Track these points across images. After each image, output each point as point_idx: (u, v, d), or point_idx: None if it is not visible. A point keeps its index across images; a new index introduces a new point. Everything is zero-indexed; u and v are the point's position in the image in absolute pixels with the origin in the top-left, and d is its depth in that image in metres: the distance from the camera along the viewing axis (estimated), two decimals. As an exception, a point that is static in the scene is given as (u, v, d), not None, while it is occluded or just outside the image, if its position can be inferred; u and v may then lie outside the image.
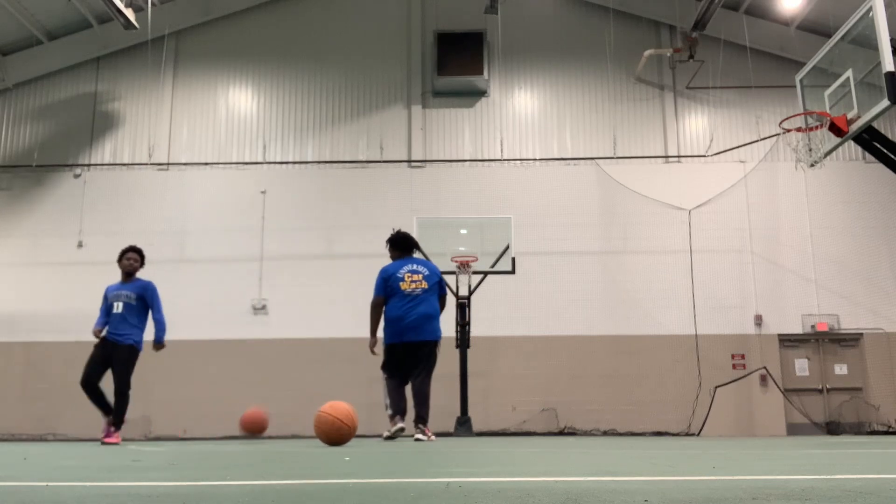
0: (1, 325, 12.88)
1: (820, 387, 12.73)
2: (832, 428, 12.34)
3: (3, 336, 12.82)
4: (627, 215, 13.22)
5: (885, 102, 7.44)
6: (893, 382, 12.56)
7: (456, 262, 10.99)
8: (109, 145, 13.83)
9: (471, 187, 13.30)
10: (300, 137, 13.79)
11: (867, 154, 9.91)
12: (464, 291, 10.98)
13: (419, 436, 6.55)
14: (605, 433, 12.24)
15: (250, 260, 13.15)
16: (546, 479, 2.09)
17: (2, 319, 12.92)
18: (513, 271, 11.11)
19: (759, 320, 12.80)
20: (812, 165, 9.22)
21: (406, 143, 13.67)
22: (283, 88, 14.01)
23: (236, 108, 13.97)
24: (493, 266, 11.10)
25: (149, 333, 7.11)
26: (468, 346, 10.82)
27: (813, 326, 12.76)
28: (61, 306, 12.63)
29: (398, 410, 6.63)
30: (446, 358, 10.93)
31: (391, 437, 6.59)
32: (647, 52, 13.40)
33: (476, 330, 11.14)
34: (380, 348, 6.77)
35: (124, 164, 13.70)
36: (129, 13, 11.81)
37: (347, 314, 12.14)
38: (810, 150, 9.18)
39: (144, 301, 7.02)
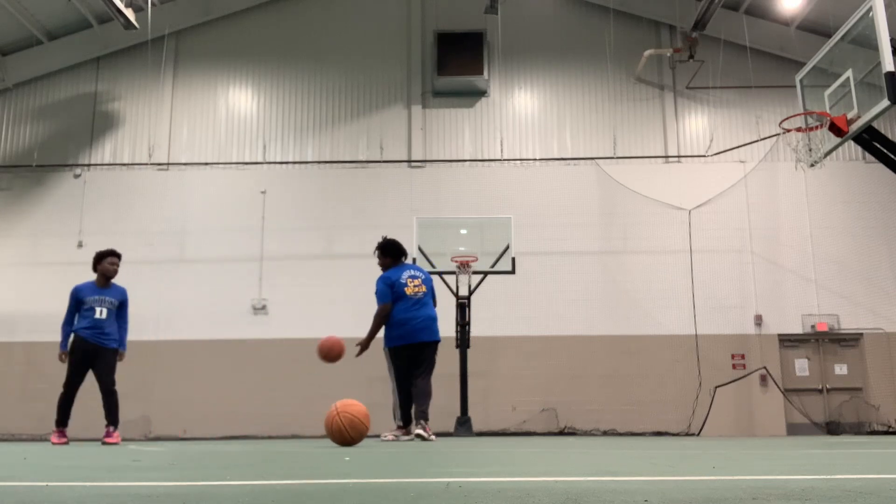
0: (1, 325, 12.89)
1: (820, 387, 12.73)
2: (832, 428, 12.34)
3: (3, 336, 12.83)
4: (627, 215, 13.22)
5: (885, 102, 7.44)
6: (893, 382, 12.56)
7: (456, 262, 10.99)
8: (109, 145, 13.83)
9: (471, 187, 13.30)
10: (300, 137, 13.79)
11: (867, 154, 9.91)
12: (464, 291, 10.98)
13: (419, 431, 6.63)
14: (605, 433, 12.24)
15: (250, 260, 13.15)
16: (546, 479, 2.09)
17: (2, 319, 12.92)
18: (513, 271, 11.11)
19: (759, 320, 12.80)
20: (812, 165, 9.22)
21: (406, 143, 13.67)
22: (283, 88, 14.01)
23: (236, 108, 13.97)
24: (493, 266, 11.10)
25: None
26: (468, 346, 10.82)
27: (813, 326, 12.76)
28: (61, 306, 12.60)
29: (409, 420, 6.86)
30: (446, 358, 10.92)
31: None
32: (647, 52, 13.40)
33: (476, 330, 11.14)
34: (357, 353, 6.78)
35: (124, 164, 13.70)
36: (129, 13, 11.82)
37: (347, 314, 12.11)
38: (810, 150, 9.18)
39: (118, 307, 7.02)
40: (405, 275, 6.99)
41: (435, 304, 7.15)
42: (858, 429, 12.34)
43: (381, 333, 6.97)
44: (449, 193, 13.24)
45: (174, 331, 12.82)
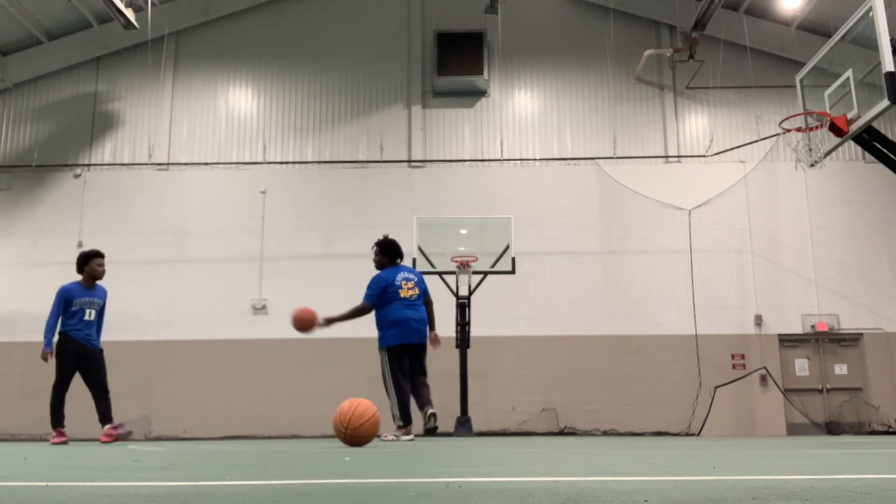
0: (1, 325, 12.89)
1: (820, 387, 12.73)
2: (832, 428, 12.34)
3: (3, 336, 12.83)
4: (627, 215, 13.21)
5: (885, 102, 7.43)
6: (893, 382, 12.56)
7: (456, 262, 10.99)
8: (109, 145, 13.83)
9: (471, 187, 13.30)
10: (300, 137, 13.79)
11: (867, 154, 9.91)
12: (464, 291, 10.98)
13: (432, 410, 6.88)
14: (605, 433, 12.24)
15: (250, 260, 13.15)
16: (546, 479, 2.09)
17: (2, 319, 12.92)
18: (513, 271, 11.11)
19: (759, 320, 12.80)
20: (812, 165, 9.22)
21: (406, 143, 13.67)
22: (283, 88, 14.01)
23: (236, 108, 13.97)
24: (493, 266, 11.10)
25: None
26: (468, 346, 10.82)
27: (813, 326, 12.76)
28: (61, 306, 12.62)
29: (409, 420, 6.93)
30: (446, 358, 10.98)
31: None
32: (647, 52, 13.40)
33: (476, 330, 11.14)
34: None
35: (124, 164, 13.70)
36: (129, 13, 11.81)
37: (347, 314, 12.12)
38: (810, 150, 9.18)
39: (101, 307, 7.10)
40: (399, 276, 7.13)
41: (430, 301, 7.33)
42: (858, 429, 12.34)
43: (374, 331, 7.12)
44: (449, 193, 13.24)
45: (174, 331, 12.82)
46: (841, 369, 12.75)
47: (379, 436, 7.21)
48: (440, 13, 14.02)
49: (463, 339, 10.80)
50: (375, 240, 7.45)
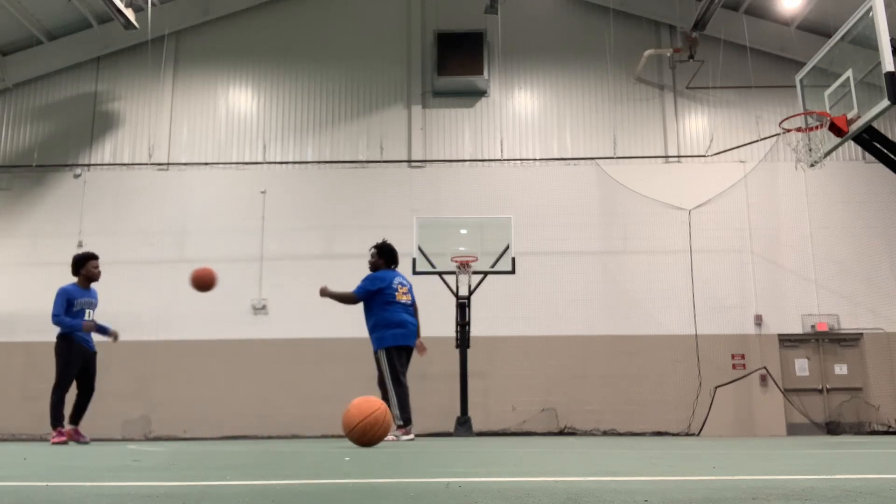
0: (1, 325, 12.89)
1: (820, 387, 12.73)
2: (832, 428, 12.34)
3: (3, 336, 12.82)
4: (627, 215, 13.21)
5: (885, 102, 7.44)
6: (893, 382, 12.56)
7: (456, 262, 10.99)
8: (109, 145, 13.83)
9: (471, 187, 13.30)
10: (300, 137, 13.79)
11: (867, 154, 9.91)
12: (464, 291, 10.99)
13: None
14: (605, 433, 12.24)
15: (250, 260, 13.15)
16: (546, 479, 2.09)
17: (2, 319, 12.92)
18: (513, 271, 11.11)
19: (759, 320, 12.80)
20: (812, 165, 9.22)
21: (406, 143, 13.67)
22: (283, 88, 14.01)
23: (236, 108, 13.96)
24: (493, 266, 11.10)
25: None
26: (468, 346, 10.82)
27: (813, 326, 12.76)
28: (61, 306, 12.62)
29: (409, 420, 6.97)
30: (446, 358, 10.99)
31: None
32: (647, 52, 13.40)
33: (476, 330, 11.14)
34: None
35: (124, 164, 13.70)
36: (129, 13, 11.81)
37: (347, 314, 12.08)
38: (810, 150, 9.18)
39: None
40: (395, 281, 7.29)
41: (417, 309, 7.50)
42: (858, 429, 12.34)
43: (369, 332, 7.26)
44: (449, 193, 13.24)
45: (174, 331, 12.82)
46: (841, 369, 12.75)
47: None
48: (440, 13, 14.02)
49: (463, 339, 10.80)
50: (375, 241, 7.55)
